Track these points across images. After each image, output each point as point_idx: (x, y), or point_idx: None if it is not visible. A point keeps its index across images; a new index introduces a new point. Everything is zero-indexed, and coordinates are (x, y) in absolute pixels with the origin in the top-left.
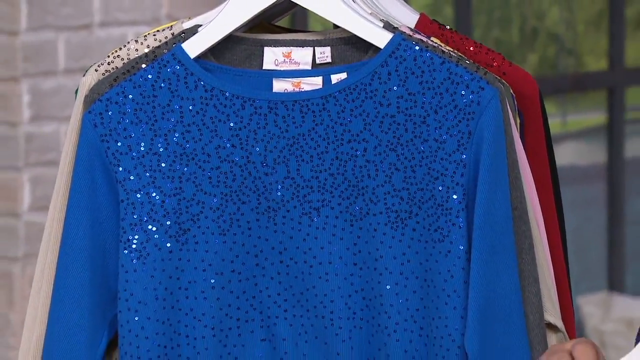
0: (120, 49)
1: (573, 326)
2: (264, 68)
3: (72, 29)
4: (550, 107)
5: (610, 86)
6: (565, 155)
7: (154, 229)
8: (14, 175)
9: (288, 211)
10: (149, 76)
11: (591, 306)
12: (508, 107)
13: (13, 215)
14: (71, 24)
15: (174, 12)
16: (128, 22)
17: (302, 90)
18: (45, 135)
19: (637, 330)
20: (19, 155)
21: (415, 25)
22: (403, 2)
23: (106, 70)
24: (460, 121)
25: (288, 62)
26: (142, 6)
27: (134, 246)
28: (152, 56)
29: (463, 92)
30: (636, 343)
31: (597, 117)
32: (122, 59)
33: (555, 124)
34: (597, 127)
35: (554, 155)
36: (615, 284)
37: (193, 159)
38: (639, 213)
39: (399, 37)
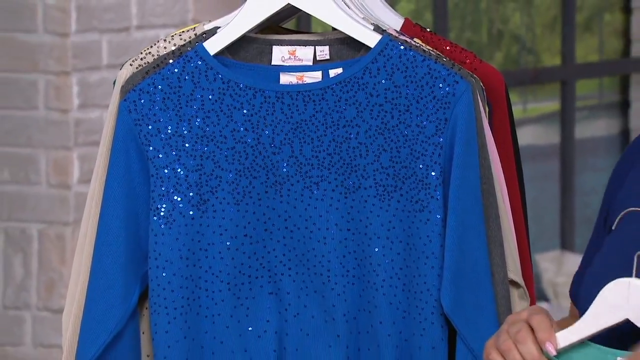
0: (152, 46)
1: (532, 280)
2: (272, 64)
3: (113, 31)
4: (513, 97)
5: (563, 79)
6: (526, 137)
7: (179, 199)
8: (65, 154)
9: (292, 185)
10: (175, 70)
11: (547, 262)
12: (479, 97)
13: (65, 187)
14: (113, 27)
15: (198, 16)
16: (160, 25)
17: (305, 82)
18: (91, 120)
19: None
20: (69, 137)
21: (401, 28)
22: (390, 8)
23: (139, 65)
24: (438, 110)
25: (293, 59)
26: (172, 12)
27: (162, 214)
28: (178, 53)
29: (441, 85)
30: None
31: (552, 105)
32: (153, 55)
33: (517, 110)
34: (552, 113)
35: (516, 138)
36: (567, 243)
37: (212, 140)
38: (586, 185)
39: (387, 38)
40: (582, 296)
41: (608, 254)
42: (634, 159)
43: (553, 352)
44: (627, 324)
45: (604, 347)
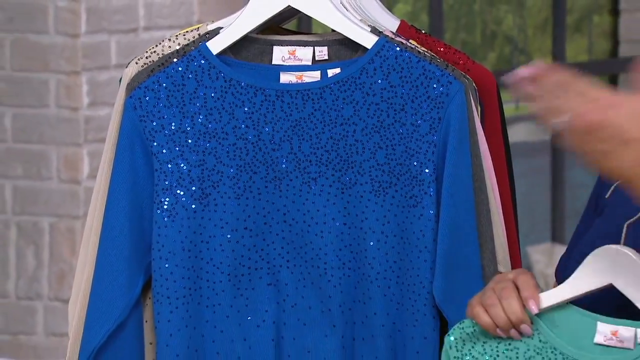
0: (157, 45)
1: None
2: (273, 63)
3: (122, 32)
4: (505, 96)
5: None
6: (518, 133)
7: (182, 193)
8: (75, 150)
9: (291, 180)
10: (179, 68)
11: (538, 254)
12: (471, 98)
13: (75, 182)
14: (121, 28)
15: (203, 18)
16: (166, 26)
17: (304, 81)
18: (101, 117)
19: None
20: (79, 133)
21: (397, 29)
22: (387, 10)
23: (145, 64)
24: (432, 109)
25: (293, 59)
26: (178, 13)
27: (165, 207)
28: (182, 52)
29: (435, 86)
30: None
31: None
32: (158, 54)
33: (510, 108)
34: None
35: (507, 136)
36: (557, 236)
37: (214, 136)
38: (576, 180)
39: (383, 39)
40: (571, 271)
41: (595, 233)
42: None
43: (535, 310)
44: (610, 293)
45: (586, 311)
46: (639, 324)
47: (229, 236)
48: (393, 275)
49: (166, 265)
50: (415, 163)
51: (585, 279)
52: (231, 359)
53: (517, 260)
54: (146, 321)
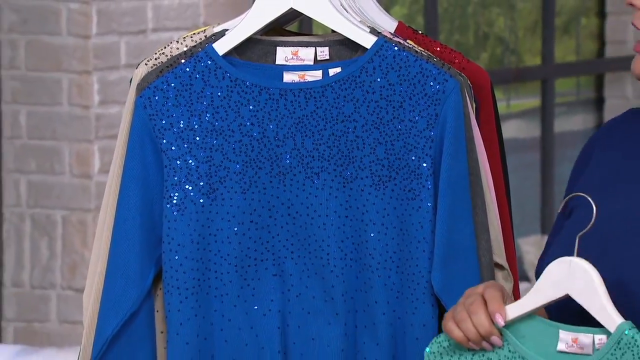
0: (165, 47)
1: (515, 263)
2: (276, 63)
3: (131, 33)
4: (498, 94)
5: (543, 78)
6: (509, 131)
7: (190, 188)
8: (87, 146)
9: (295, 175)
10: (187, 69)
11: (528, 246)
12: (466, 94)
13: (87, 176)
14: (130, 30)
15: (209, 20)
16: (173, 28)
17: (306, 80)
18: (111, 115)
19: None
20: (91, 130)
21: (395, 30)
22: (385, 12)
23: (154, 64)
24: (429, 106)
25: (295, 59)
26: (185, 16)
27: (174, 202)
28: (190, 53)
29: (431, 83)
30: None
31: (533, 101)
32: (167, 55)
33: (501, 106)
34: (533, 109)
35: (501, 132)
36: (547, 228)
37: (221, 134)
38: (564, 175)
39: (382, 39)
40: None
41: (563, 237)
42: (590, 155)
43: (501, 323)
44: (573, 301)
45: (548, 321)
46: (596, 331)
47: (235, 229)
48: (393, 265)
49: (176, 257)
50: (413, 158)
51: (544, 290)
52: (239, 346)
53: (511, 251)
54: (157, 311)
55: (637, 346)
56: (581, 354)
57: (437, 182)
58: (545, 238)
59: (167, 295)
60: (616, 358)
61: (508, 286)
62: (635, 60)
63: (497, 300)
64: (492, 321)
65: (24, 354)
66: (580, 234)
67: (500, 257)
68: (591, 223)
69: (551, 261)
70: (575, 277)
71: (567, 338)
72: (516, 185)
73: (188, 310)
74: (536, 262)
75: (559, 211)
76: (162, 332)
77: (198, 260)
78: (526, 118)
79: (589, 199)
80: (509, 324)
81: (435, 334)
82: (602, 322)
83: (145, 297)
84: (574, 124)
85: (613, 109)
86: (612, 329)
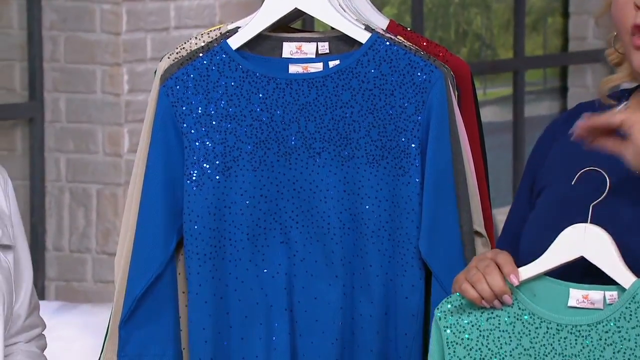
0: (185, 43)
1: (492, 231)
2: (283, 56)
3: (156, 30)
4: (476, 83)
5: (515, 69)
6: (486, 116)
7: (207, 166)
8: (118, 129)
9: (299, 155)
10: (204, 62)
11: (502, 215)
12: (450, 84)
13: (117, 155)
14: (155, 27)
15: (224, 18)
16: (193, 26)
17: (309, 72)
18: (139, 102)
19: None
20: (121, 115)
21: (387, 27)
22: (378, 11)
23: (175, 58)
24: (417, 94)
25: (299, 53)
26: (203, 15)
27: (194, 178)
28: (207, 48)
29: (419, 74)
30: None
31: (506, 90)
32: (186, 50)
33: (479, 94)
34: (506, 97)
35: (480, 116)
36: None
37: (234, 118)
38: None
39: (375, 35)
40: (524, 248)
41: (549, 209)
42: (555, 136)
43: (516, 283)
44: (581, 263)
45: (559, 280)
46: (606, 288)
47: (247, 202)
48: (385, 233)
49: (195, 227)
50: (403, 139)
51: (559, 253)
52: (250, 305)
53: (489, 220)
54: (179, 273)
55: None
56: (592, 309)
57: (424, 160)
58: None
59: (187, 260)
60: (631, 311)
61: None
62: (636, 57)
63: (510, 263)
64: (506, 281)
65: (64, 309)
66: (594, 203)
67: (479, 226)
68: (604, 194)
69: (532, 232)
70: (591, 241)
71: (577, 295)
72: (491, 163)
73: (206, 273)
74: None
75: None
76: (183, 292)
77: (214, 230)
78: (500, 104)
79: (603, 172)
80: (521, 284)
81: (422, 293)
82: (617, 280)
83: (169, 261)
84: (541, 109)
85: (575, 96)
86: (627, 286)
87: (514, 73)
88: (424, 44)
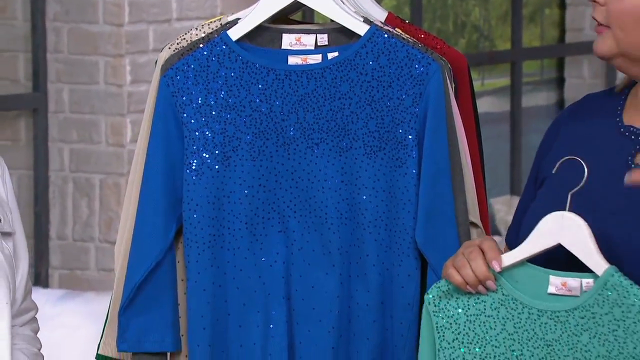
0: (186, 34)
1: (487, 220)
2: (282, 48)
3: (158, 22)
4: (473, 74)
5: (513, 60)
6: (483, 106)
7: (207, 156)
8: (120, 119)
9: (297, 145)
10: (205, 53)
11: (499, 205)
12: (447, 76)
13: (120, 145)
14: (157, 19)
15: (225, 10)
16: (194, 17)
17: (308, 63)
18: (141, 92)
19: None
20: (123, 106)
21: (385, 20)
22: (376, 3)
23: (176, 48)
24: (414, 85)
25: (299, 44)
26: (204, 7)
27: (193, 167)
28: (207, 39)
29: (416, 66)
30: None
31: (504, 80)
32: (187, 41)
33: (476, 85)
34: (504, 87)
35: (476, 108)
36: (515, 190)
37: (234, 109)
38: (530, 144)
39: (374, 28)
40: (524, 237)
41: (545, 199)
42: (558, 130)
43: (498, 269)
44: (566, 250)
45: (540, 267)
46: (583, 275)
47: (246, 192)
48: (382, 223)
49: (194, 216)
50: (400, 131)
51: (538, 240)
52: (249, 293)
53: (484, 211)
54: (178, 261)
55: (622, 287)
56: (570, 296)
57: (421, 152)
58: (514, 198)
59: (186, 248)
60: (603, 298)
61: None
62: (597, 42)
63: (494, 250)
64: (489, 267)
65: (67, 297)
66: (572, 191)
67: (474, 216)
68: (582, 182)
69: (531, 222)
70: (568, 229)
71: (556, 282)
72: (489, 153)
73: (205, 261)
74: (507, 218)
75: (553, 172)
76: (182, 280)
77: (213, 218)
78: (498, 95)
79: (582, 161)
80: (504, 271)
81: (418, 283)
82: (591, 267)
83: (168, 249)
84: (538, 100)
85: (572, 87)
86: (599, 273)
87: (511, 64)
88: (422, 36)
